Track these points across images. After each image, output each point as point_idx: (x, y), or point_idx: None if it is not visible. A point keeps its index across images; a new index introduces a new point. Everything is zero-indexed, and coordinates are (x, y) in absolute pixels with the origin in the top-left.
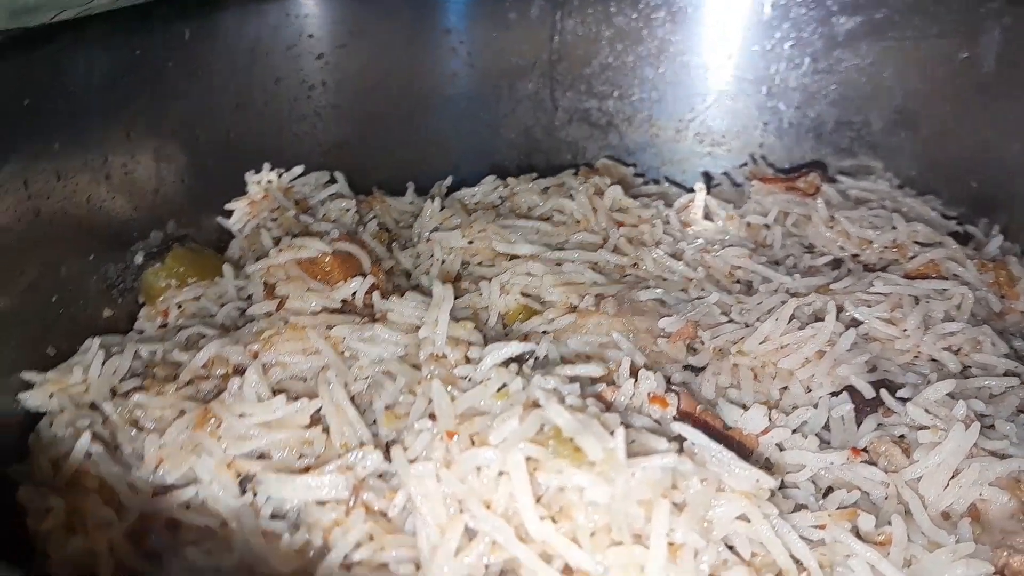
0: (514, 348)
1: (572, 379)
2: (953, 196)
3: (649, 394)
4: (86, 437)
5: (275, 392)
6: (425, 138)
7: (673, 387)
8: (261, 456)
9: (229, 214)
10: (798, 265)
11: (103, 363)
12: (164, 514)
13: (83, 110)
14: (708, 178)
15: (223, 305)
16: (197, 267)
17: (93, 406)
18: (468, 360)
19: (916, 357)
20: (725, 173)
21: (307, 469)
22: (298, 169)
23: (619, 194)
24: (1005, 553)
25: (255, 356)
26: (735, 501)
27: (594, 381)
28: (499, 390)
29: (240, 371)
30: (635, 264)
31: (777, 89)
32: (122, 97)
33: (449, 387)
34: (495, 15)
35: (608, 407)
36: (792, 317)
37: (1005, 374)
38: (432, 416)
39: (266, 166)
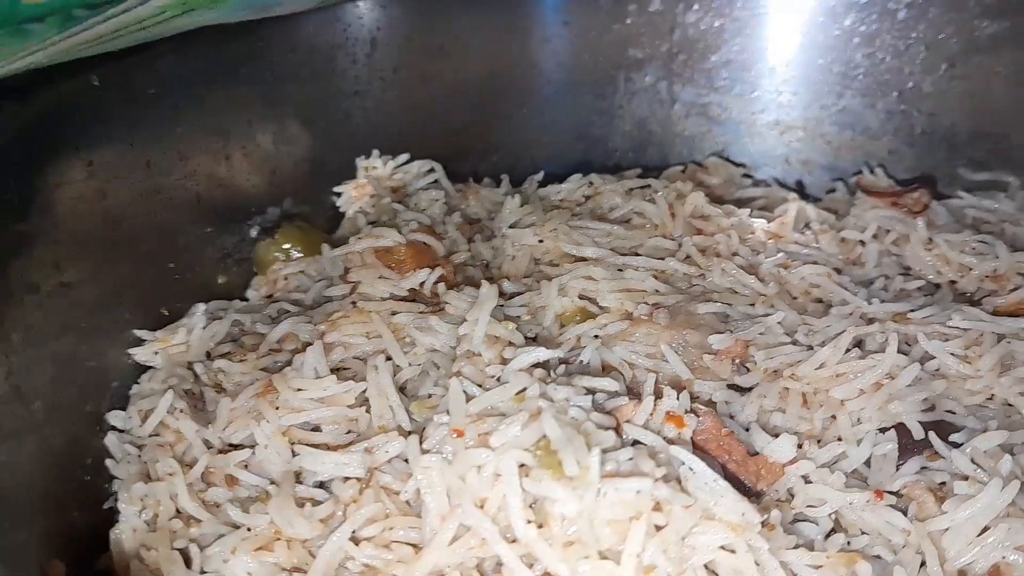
0: (541, 354)
1: (589, 391)
2: None
3: (667, 413)
4: (170, 394)
5: (336, 371)
6: (535, 128)
7: (697, 407)
8: (315, 428)
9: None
10: (888, 287)
11: (204, 327)
12: (224, 470)
13: (205, 97)
14: (800, 186)
15: (318, 282)
16: (304, 243)
17: (190, 366)
18: (503, 360)
19: (989, 399)
20: (842, 179)
21: (346, 446)
22: (403, 157)
23: (701, 201)
24: None
25: (321, 335)
26: (720, 530)
27: (617, 395)
28: (518, 393)
29: (305, 348)
30: (702, 275)
31: (910, 94)
32: (243, 85)
33: (477, 385)
34: (615, 7)
35: (618, 423)
36: (859, 344)
37: None
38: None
39: (375, 152)
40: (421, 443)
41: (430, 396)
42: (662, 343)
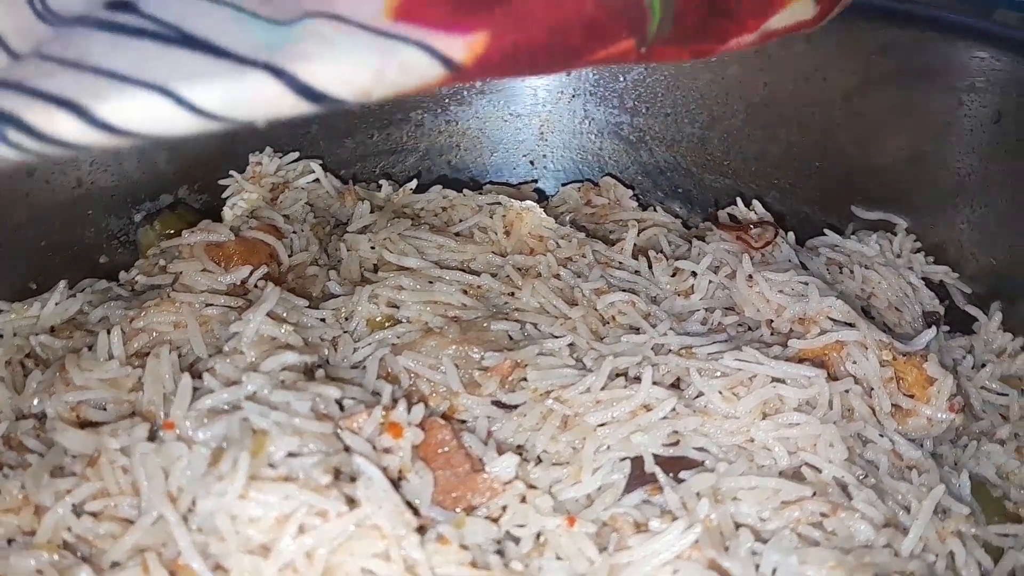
0: (289, 358)
1: (314, 395)
2: (976, 270)
3: (389, 423)
4: None
5: (138, 355)
6: (448, 134)
7: (435, 421)
8: (103, 408)
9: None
10: (707, 321)
11: (57, 303)
12: (18, 437)
13: None
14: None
15: None
16: (181, 228)
17: (29, 338)
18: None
19: (751, 442)
20: (720, 208)
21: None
22: (292, 155)
23: (537, 221)
24: None
25: (130, 320)
26: (374, 540)
27: (356, 402)
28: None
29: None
30: (512, 293)
31: (811, 127)
32: None
33: (216, 382)
34: None
35: (339, 429)
36: (623, 375)
37: (833, 481)
38: None
39: (268, 149)
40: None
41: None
42: (443, 355)
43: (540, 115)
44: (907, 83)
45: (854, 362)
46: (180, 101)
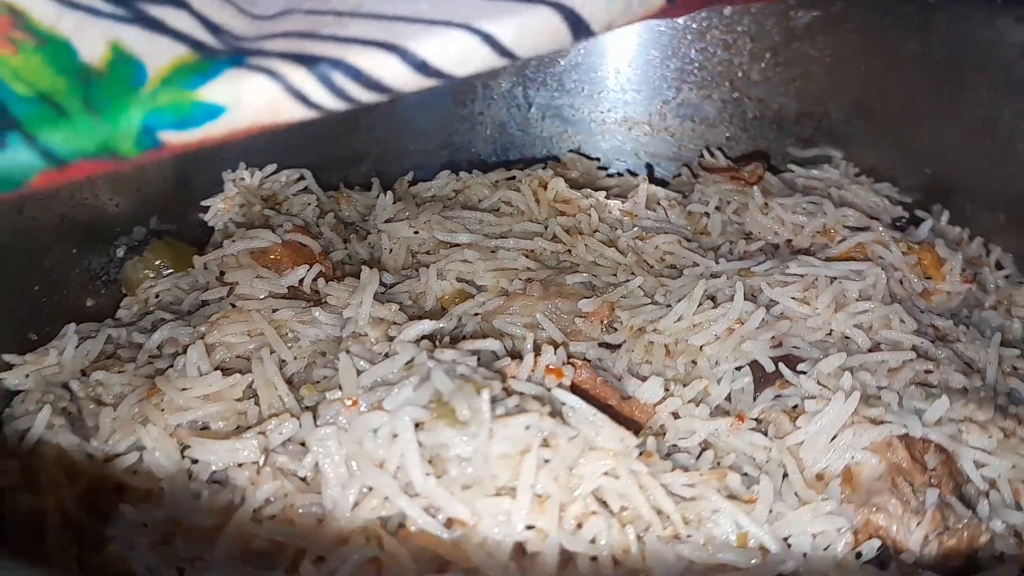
0: (426, 326)
1: (473, 353)
2: (909, 183)
3: (546, 367)
4: (47, 410)
5: (221, 370)
6: (401, 137)
7: (574, 361)
8: (204, 427)
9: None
10: (733, 251)
11: (76, 346)
12: (113, 479)
13: None
14: (650, 170)
15: (191, 292)
16: (173, 258)
17: (65, 385)
18: (389, 339)
19: (829, 335)
20: (686, 164)
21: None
22: (270, 167)
23: (561, 186)
24: (868, 511)
25: (202, 336)
26: (602, 458)
27: (500, 356)
28: (407, 364)
29: (188, 349)
30: (569, 251)
31: (740, 83)
32: None
33: (367, 361)
34: None
35: (504, 379)
36: (711, 299)
37: (912, 349)
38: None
39: (241, 165)
40: (315, 420)
41: (318, 382)
42: (536, 312)
43: (486, 106)
44: (828, 32)
45: (880, 256)
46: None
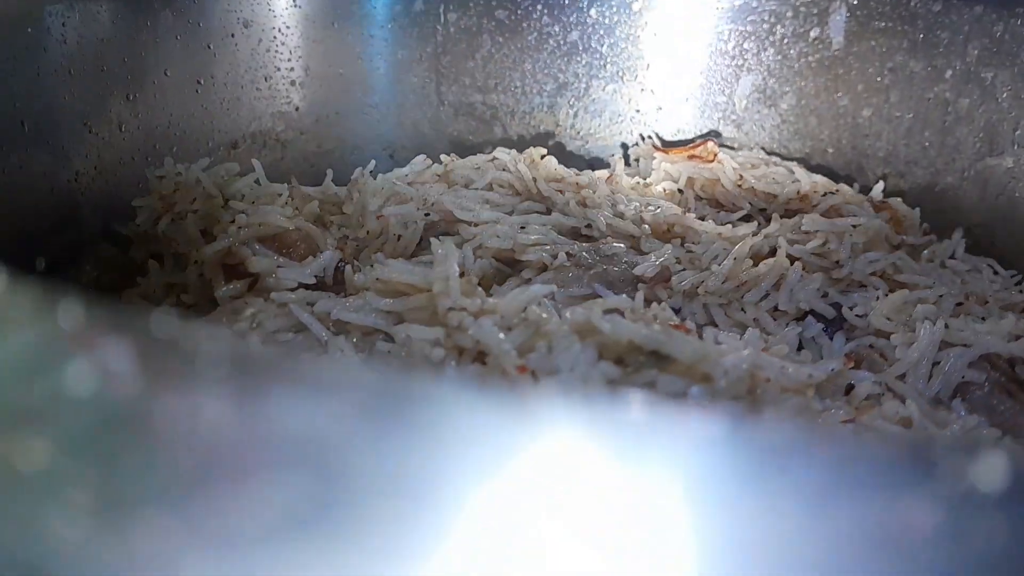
0: (539, 289)
1: (606, 311)
2: (812, 163)
3: (669, 324)
4: None
5: None
6: (313, 136)
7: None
8: None
9: (130, 214)
10: (717, 220)
11: None
12: None
13: None
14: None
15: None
16: (116, 270)
17: None
18: (483, 311)
19: (848, 285)
20: (623, 145)
21: None
22: (204, 161)
23: (554, 164)
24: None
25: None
26: (790, 399)
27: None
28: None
29: None
30: (588, 225)
31: (646, 75)
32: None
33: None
34: (384, 5)
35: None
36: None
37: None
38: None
39: (168, 160)
40: None
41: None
42: (594, 283)
43: (396, 104)
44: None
45: (854, 215)
46: None
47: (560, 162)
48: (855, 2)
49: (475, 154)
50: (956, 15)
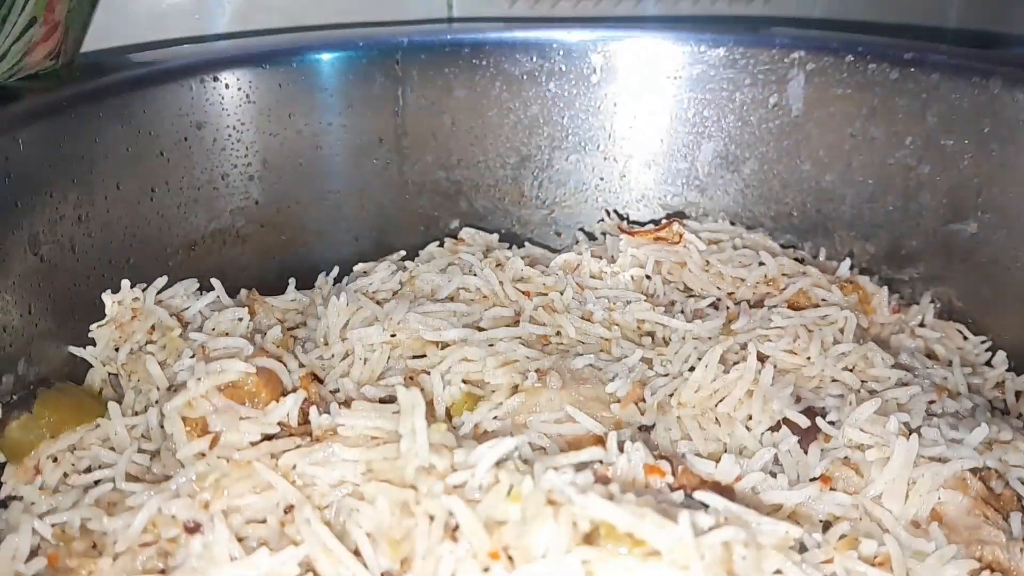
0: (507, 444)
1: (579, 467)
2: (777, 227)
3: (644, 465)
4: None
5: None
6: (276, 226)
7: (659, 454)
8: None
9: (84, 344)
10: (684, 310)
11: None
12: None
13: None
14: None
15: (126, 451)
16: (73, 411)
17: None
18: (454, 468)
19: (820, 382)
20: (581, 229)
21: None
22: (161, 281)
23: (520, 265)
24: (977, 547)
25: (206, 507)
26: (771, 557)
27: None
28: (508, 494)
29: (193, 529)
30: (557, 333)
31: (608, 144)
32: None
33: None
34: (340, 94)
35: (607, 483)
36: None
37: (897, 384)
38: (452, 537)
39: (125, 283)
40: None
41: (379, 534)
42: (566, 405)
43: (357, 188)
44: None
45: (823, 299)
46: None
47: (526, 235)
48: (812, 69)
49: (441, 228)
50: (913, 82)
